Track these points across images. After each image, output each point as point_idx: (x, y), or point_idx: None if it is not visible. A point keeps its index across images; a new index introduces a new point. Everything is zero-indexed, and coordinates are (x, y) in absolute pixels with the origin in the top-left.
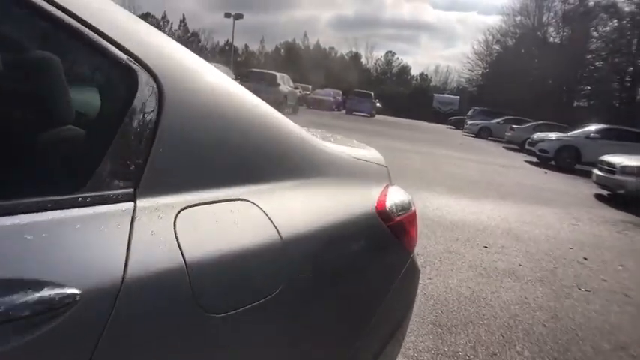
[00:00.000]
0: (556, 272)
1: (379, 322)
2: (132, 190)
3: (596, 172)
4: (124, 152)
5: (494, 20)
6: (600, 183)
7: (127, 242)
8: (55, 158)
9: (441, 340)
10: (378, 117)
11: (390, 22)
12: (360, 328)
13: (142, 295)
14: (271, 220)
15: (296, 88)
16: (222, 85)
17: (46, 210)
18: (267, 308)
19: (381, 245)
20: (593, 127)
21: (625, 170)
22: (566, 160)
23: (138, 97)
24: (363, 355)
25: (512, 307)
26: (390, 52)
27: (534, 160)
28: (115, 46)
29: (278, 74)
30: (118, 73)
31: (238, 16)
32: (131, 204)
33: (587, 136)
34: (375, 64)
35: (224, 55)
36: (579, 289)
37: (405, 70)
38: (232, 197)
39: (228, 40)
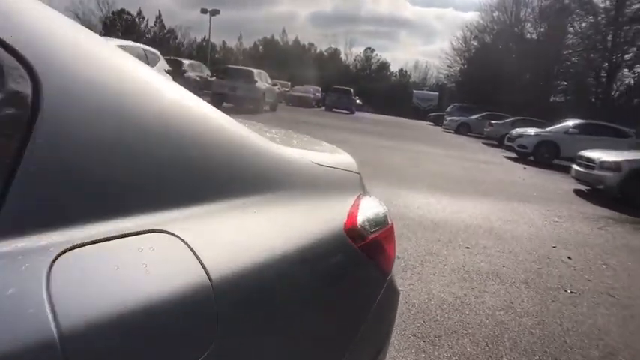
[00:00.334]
0: (541, 273)
1: (354, 357)
2: None
3: (575, 167)
4: None
5: (472, 16)
6: (579, 178)
7: None
8: None
9: (423, 354)
10: (357, 114)
11: (369, 19)
12: None
13: None
14: (199, 258)
15: (274, 84)
16: (136, 79)
17: None
18: None
19: (352, 271)
20: (571, 123)
21: (604, 165)
22: (544, 156)
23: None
24: None
25: (497, 314)
26: (369, 48)
27: (513, 155)
28: None
29: (255, 71)
30: None
31: (215, 12)
32: None
33: (566, 132)
34: (355, 60)
35: (202, 52)
36: (565, 290)
37: (384, 66)
38: (144, 229)
39: (205, 37)
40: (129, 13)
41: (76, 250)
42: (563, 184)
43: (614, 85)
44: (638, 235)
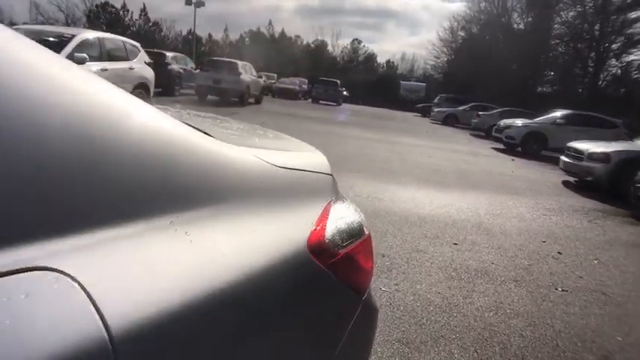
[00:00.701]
0: (531, 270)
1: None
2: None
3: (563, 158)
4: None
5: (459, 7)
6: (568, 170)
7: None
8: None
9: None
10: (344, 105)
11: (355, 10)
12: None
13: None
14: (95, 305)
15: (259, 77)
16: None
17: None
18: None
19: (317, 296)
20: (558, 113)
21: (593, 156)
22: (532, 147)
23: None
24: None
25: (486, 315)
26: (356, 39)
27: (501, 146)
28: None
29: (240, 63)
30: None
31: (199, 4)
32: None
33: (554, 122)
34: (342, 52)
35: (187, 45)
36: (556, 289)
37: (371, 57)
38: (15, 267)
39: (190, 30)
40: (113, 6)
41: None
42: (551, 176)
43: (602, 75)
44: (629, 228)
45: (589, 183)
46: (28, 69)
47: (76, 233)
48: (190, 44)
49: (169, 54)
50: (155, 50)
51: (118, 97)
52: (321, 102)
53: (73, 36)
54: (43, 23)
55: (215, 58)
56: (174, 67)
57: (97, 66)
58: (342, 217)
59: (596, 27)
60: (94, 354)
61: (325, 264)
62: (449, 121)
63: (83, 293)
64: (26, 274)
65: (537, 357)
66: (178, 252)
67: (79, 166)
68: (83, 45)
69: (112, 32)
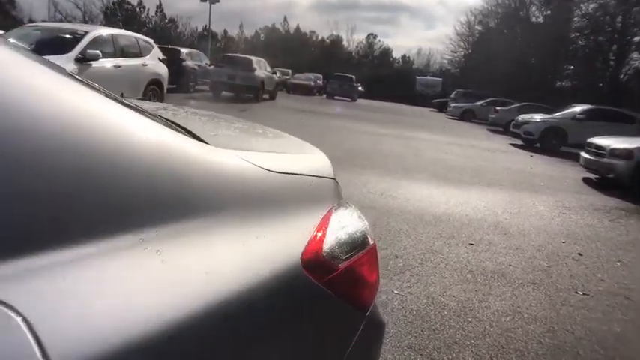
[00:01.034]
0: (550, 272)
1: None
2: None
3: (583, 155)
4: None
5: (476, 1)
6: (588, 166)
7: None
8: None
9: None
10: (360, 101)
11: (371, 4)
12: None
13: None
14: (40, 343)
15: (274, 72)
16: None
17: None
18: None
19: (313, 315)
20: (578, 108)
21: (614, 153)
22: (551, 142)
23: None
24: None
25: (503, 320)
26: (372, 34)
27: (519, 142)
28: None
29: (254, 59)
30: None
31: (214, 1)
32: None
33: (573, 117)
34: (357, 47)
35: (203, 41)
36: (576, 292)
37: (387, 52)
38: None
39: (206, 26)
40: (129, 3)
41: None
42: (571, 173)
43: (623, 69)
44: None
45: (611, 180)
46: None
47: (21, 256)
48: (206, 41)
49: (184, 50)
50: (170, 47)
51: (102, 99)
52: (336, 97)
53: (86, 33)
54: (61, 20)
55: (229, 55)
56: (189, 63)
57: (110, 62)
58: (343, 226)
59: (618, 19)
60: None
61: (322, 280)
62: (466, 116)
63: (27, 330)
64: None
65: None
66: (148, 274)
67: (26, 178)
68: (96, 42)
69: (128, 29)
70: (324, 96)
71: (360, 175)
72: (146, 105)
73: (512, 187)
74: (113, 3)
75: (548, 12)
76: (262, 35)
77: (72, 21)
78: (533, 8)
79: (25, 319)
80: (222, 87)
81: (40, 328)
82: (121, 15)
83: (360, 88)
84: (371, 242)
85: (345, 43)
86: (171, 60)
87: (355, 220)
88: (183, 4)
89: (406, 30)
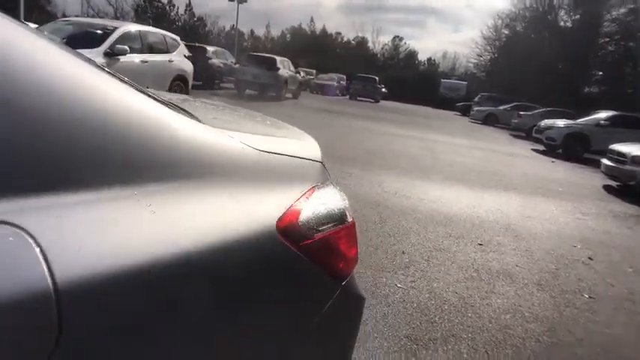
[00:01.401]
0: (557, 275)
1: None
2: None
3: (605, 161)
4: None
5: (504, 4)
6: (610, 173)
7: None
8: None
9: (414, 359)
10: (382, 102)
11: (397, 7)
12: None
13: None
14: (45, 256)
15: (297, 72)
16: None
17: None
18: None
19: (282, 275)
20: (603, 114)
21: (636, 160)
22: (574, 149)
23: None
24: None
25: (502, 318)
26: (398, 36)
27: (542, 148)
28: None
29: (278, 58)
30: None
31: (242, 0)
32: None
33: (597, 124)
34: (382, 49)
35: (230, 40)
36: (582, 295)
37: (412, 55)
38: None
39: (234, 25)
40: (159, 1)
41: None
42: (592, 179)
43: None
44: None
45: (632, 188)
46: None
47: (39, 195)
48: (233, 39)
49: (210, 48)
50: (197, 45)
51: (100, 81)
52: (359, 98)
53: (116, 28)
54: (93, 16)
55: (254, 54)
56: (215, 61)
57: (137, 58)
58: (323, 202)
59: None
60: (38, 298)
61: (296, 246)
62: (489, 120)
63: (35, 246)
64: None
65: None
66: (138, 219)
67: (49, 138)
68: (125, 37)
69: (158, 26)
70: (347, 97)
71: (376, 175)
72: (166, 95)
73: (528, 192)
74: (144, 0)
75: (577, 16)
76: (288, 35)
77: (104, 17)
78: (562, 12)
79: (35, 241)
80: (246, 85)
81: (47, 248)
82: (151, 12)
83: (383, 89)
84: (349, 220)
85: (370, 44)
86: (198, 57)
87: (335, 199)
88: (212, 3)
89: (432, 32)
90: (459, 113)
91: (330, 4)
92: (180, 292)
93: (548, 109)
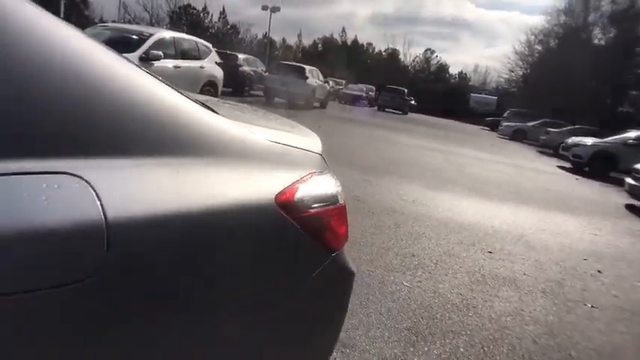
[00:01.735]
0: (563, 284)
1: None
2: None
3: (629, 180)
4: None
5: (537, 20)
6: (633, 192)
7: None
8: None
9: (412, 349)
10: (411, 115)
11: (431, 20)
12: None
13: None
14: (99, 199)
15: (326, 82)
16: (56, 36)
17: None
18: (69, 295)
19: (278, 239)
20: (633, 134)
21: None
22: (601, 167)
23: None
24: None
25: (503, 319)
26: (429, 49)
27: (568, 165)
28: None
29: (307, 67)
30: None
31: (275, 9)
32: None
33: (625, 143)
34: (413, 61)
35: (262, 48)
36: (585, 304)
37: (443, 68)
38: (53, 170)
39: (266, 34)
40: (194, 8)
41: None
42: (615, 198)
43: None
44: None
45: None
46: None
47: (99, 157)
48: (265, 47)
49: (241, 56)
50: (228, 52)
51: (145, 80)
52: (387, 110)
53: (151, 35)
54: (129, 22)
55: (284, 62)
56: (246, 68)
57: (170, 63)
58: (319, 186)
59: None
60: (91, 227)
61: (291, 217)
62: (517, 136)
63: (92, 191)
64: (53, 175)
65: None
66: (167, 180)
67: (116, 118)
68: (159, 43)
69: (192, 33)
70: (375, 108)
71: (396, 184)
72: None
73: (547, 207)
74: (179, 7)
75: (612, 34)
76: (320, 45)
77: (140, 22)
78: (597, 30)
79: (92, 187)
80: (274, 93)
81: (100, 192)
82: (185, 19)
83: (412, 102)
84: (341, 202)
85: (401, 56)
86: (229, 65)
87: (330, 185)
88: (245, 11)
89: (465, 46)
90: (487, 128)
91: (363, 14)
92: (196, 237)
93: (577, 126)
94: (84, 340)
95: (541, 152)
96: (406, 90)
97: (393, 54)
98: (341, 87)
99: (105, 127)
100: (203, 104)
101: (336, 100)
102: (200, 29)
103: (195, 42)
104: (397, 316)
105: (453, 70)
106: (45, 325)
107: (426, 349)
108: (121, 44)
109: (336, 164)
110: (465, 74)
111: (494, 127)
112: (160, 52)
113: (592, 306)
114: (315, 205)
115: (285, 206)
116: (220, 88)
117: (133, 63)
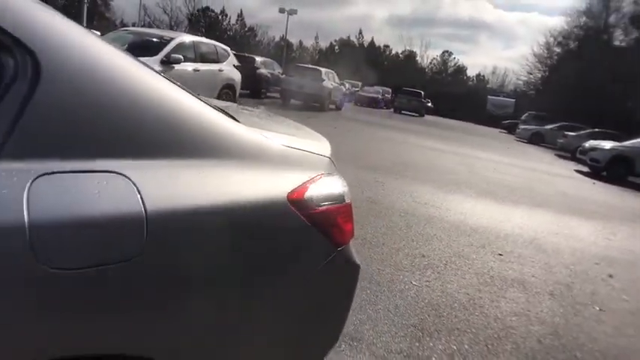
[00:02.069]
0: (572, 287)
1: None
2: None
3: None
4: None
5: (557, 22)
6: None
7: None
8: None
9: (417, 344)
10: (427, 117)
11: (448, 21)
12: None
13: None
14: (140, 194)
15: (342, 84)
16: (108, 58)
17: None
18: (121, 270)
19: (288, 232)
20: None
21: None
22: (619, 171)
23: (9, 69)
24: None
25: (509, 319)
26: (447, 51)
27: (585, 169)
28: None
29: (323, 70)
30: None
31: (292, 12)
32: None
33: None
34: (431, 63)
35: (279, 50)
36: (593, 307)
37: (460, 70)
38: (103, 169)
39: (283, 36)
40: (212, 11)
41: (51, 174)
42: (632, 202)
43: None
44: None
45: None
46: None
47: (140, 159)
48: (282, 50)
49: (258, 59)
50: (246, 55)
51: (181, 91)
52: (403, 112)
53: (172, 39)
54: (149, 24)
55: (300, 65)
56: (263, 71)
57: (190, 66)
58: (327, 186)
59: None
60: (133, 217)
61: (301, 213)
62: (534, 139)
63: (134, 187)
64: (105, 174)
65: None
66: (193, 179)
67: (158, 132)
68: (180, 47)
69: (210, 36)
70: (392, 110)
71: (408, 185)
72: (213, 101)
73: (561, 211)
74: (198, 10)
75: (634, 36)
76: (337, 47)
77: (159, 26)
78: (618, 32)
79: (134, 183)
80: (291, 95)
81: (141, 188)
82: (204, 22)
83: (428, 104)
84: (347, 201)
85: (418, 58)
86: (246, 67)
87: (337, 185)
88: (263, 14)
89: (483, 48)
90: (504, 131)
91: (379, 16)
92: (218, 228)
93: (595, 130)
94: (131, 305)
95: (558, 156)
96: (423, 92)
97: (410, 56)
98: (357, 89)
99: (145, 134)
100: (224, 112)
101: (352, 102)
102: (218, 31)
103: (214, 45)
104: (404, 313)
105: (471, 72)
106: (101, 293)
107: (431, 344)
108: (142, 48)
109: (350, 166)
110: (483, 76)
111: (511, 130)
112: (181, 56)
113: (600, 309)
114: (324, 203)
115: (296, 203)
116: (238, 90)
117: (168, 79)
